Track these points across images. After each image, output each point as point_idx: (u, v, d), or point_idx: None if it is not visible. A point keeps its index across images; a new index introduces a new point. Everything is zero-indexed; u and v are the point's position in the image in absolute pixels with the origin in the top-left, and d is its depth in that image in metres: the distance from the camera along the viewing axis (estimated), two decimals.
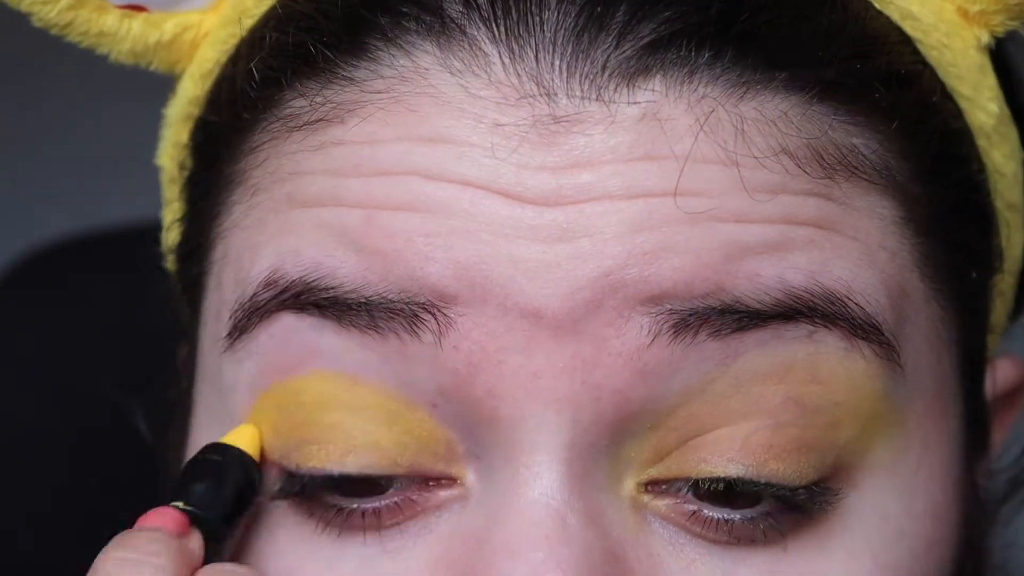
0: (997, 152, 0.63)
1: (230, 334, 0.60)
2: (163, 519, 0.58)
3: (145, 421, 0.74)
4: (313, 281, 0.57)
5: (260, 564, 0.59)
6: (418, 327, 0.56)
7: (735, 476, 0.56)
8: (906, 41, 0.60)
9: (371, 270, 0.56)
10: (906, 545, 0.59)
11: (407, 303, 0.56)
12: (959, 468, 0.63)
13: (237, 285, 0.60)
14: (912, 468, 0.60)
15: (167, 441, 0.71)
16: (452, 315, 0.56)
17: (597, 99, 0.55)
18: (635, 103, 0.55)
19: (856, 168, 0.58)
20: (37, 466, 0.94)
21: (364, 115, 0.57)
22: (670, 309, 0.55)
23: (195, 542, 0.57)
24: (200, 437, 0.63)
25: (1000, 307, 0.67)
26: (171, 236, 0.70)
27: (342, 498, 0.58)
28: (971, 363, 0.64)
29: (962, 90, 0.61)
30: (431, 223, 0.56)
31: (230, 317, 0.60)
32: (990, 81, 0.62)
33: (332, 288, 0.57)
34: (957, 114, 0.62)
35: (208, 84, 0.65)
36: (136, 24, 0.64)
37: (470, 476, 0.58)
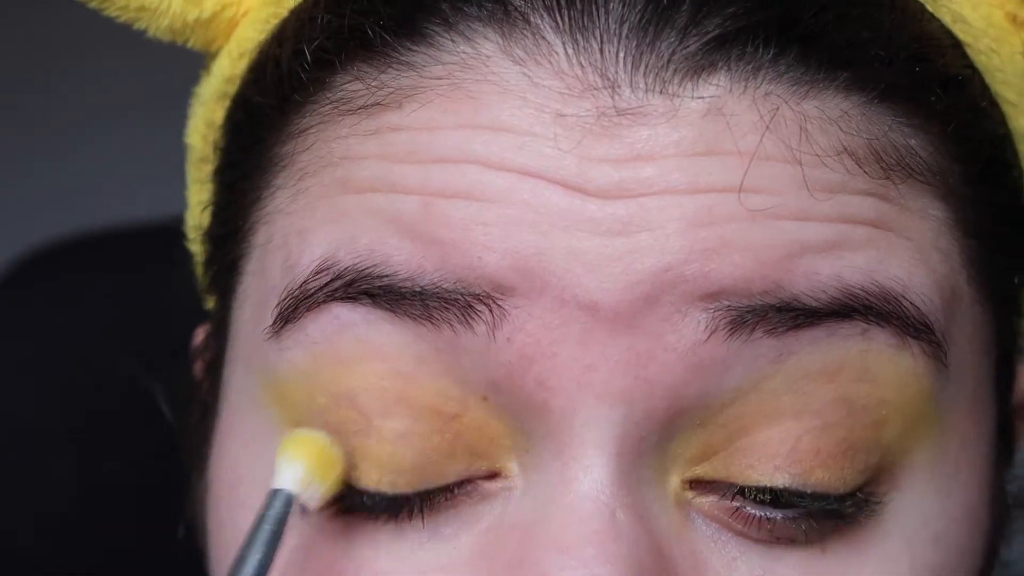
0: None
1: (275, 322, 0.59)
2: None
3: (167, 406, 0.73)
4: (367, 269, 0.56)
5: (312, 570, 0.58)
6: (472, 318, 0.55)
7: (781, 486, 0.56)
8: (956, 45, 0.60)
9: (427, 258, 0.55)
10: (942, 550, 0.59)
11: (462, 293, 0.55)
12: (991, 473, 0.63)
13: (286, 272, 0.59)
14: (950, 470, 0.60)
15: (187, 427, 0.70)
16: (507, 307, 0.55)
17: (661, 92, 0.55)
18: (699, 98, 0.55)
19: (912, 169, 0.57)
20: (38, 466, 0.93)
21: (422, 101, 0.56)
22: (728, 306, 0.55)
23: None
24: (235, 424, 0.62)
25: None
26: (199, 217, 0.68)
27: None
28: (1003, 369, 0.65)
29: (1007, 95, 0.61)
30: (489, 212, 0.55)
31: (277, 304, 0.59)
32: None
33: (386, 276, 0.56)
34: (1002, 120, 0.62)
35: (246, 63, 0.64)
36: (177, 0, 0.63)
37: (515, 469, 0.57)
